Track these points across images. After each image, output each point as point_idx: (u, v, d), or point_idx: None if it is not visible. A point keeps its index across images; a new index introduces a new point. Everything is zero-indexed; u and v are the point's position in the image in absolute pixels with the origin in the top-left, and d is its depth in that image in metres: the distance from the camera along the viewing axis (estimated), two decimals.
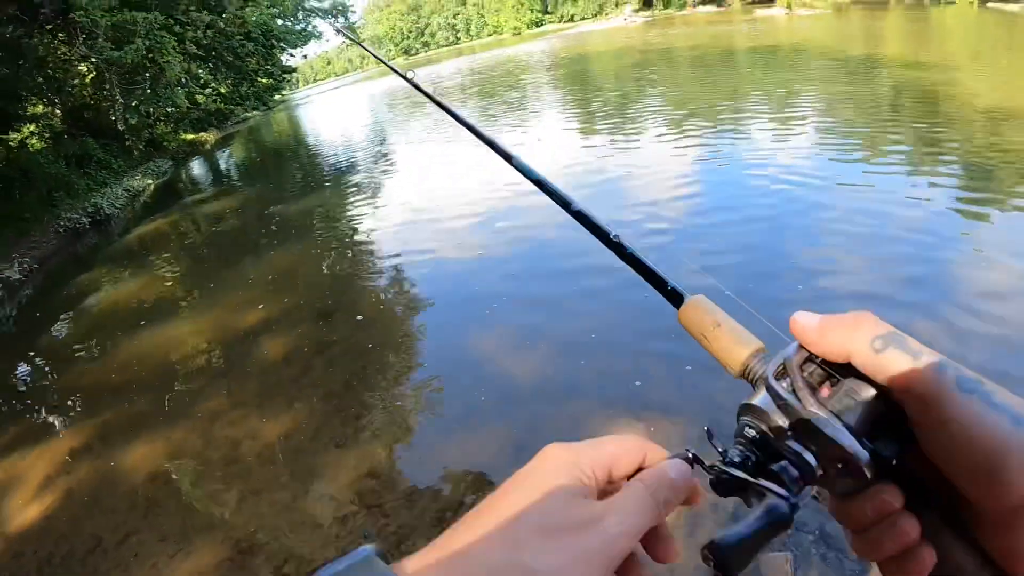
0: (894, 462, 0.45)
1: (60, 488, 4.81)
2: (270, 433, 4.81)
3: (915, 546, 0.45)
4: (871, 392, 0.45)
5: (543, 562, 0.42)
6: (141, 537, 4.06)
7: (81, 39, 18.89)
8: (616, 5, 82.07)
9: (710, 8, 65.82)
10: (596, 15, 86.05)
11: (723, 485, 0.51)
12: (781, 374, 0.50)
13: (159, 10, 22.86)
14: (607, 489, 0.50)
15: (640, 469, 0.52)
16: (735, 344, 0.57)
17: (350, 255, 9.04)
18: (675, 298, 0.66)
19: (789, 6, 45.15)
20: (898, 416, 0.44)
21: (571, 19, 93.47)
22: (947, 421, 0.41)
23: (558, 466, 0.48)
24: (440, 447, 4.30)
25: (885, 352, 0.44)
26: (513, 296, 6.29)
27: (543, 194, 0.89)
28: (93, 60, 20.32)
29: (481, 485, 3.79)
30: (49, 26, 18.83)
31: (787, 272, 5.64)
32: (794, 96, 13.49)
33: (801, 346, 0.49)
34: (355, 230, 10.19)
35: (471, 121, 1.22)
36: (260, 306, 7.46)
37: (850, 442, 0.44)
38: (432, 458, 4.20)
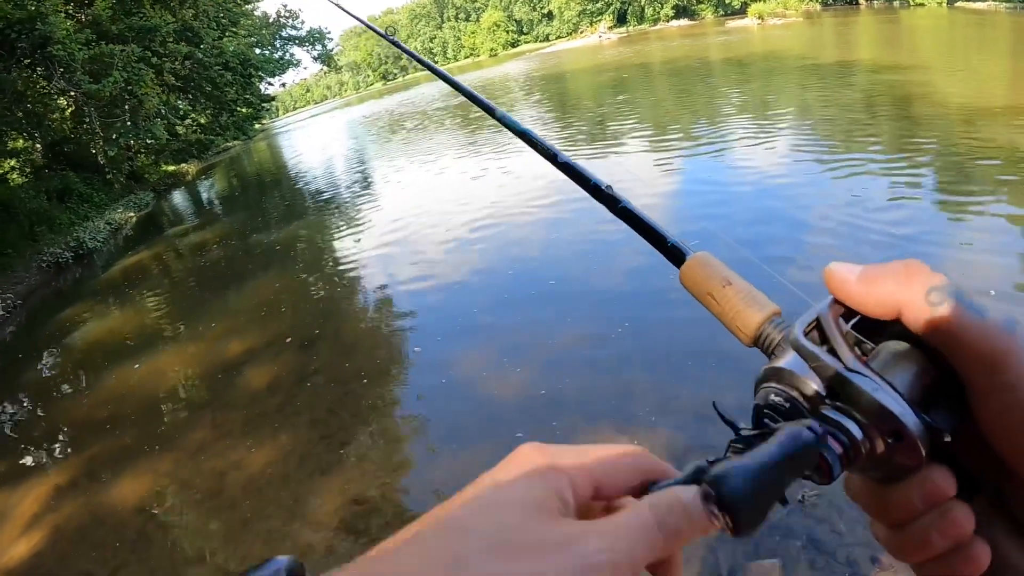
0: (948, 439, 0.37)
1: (48, 525, 4.82)
2: (256, 463, 4.83)
3: (967, 542, 0.38)
4: (922, 355, 0.39)
5: None
6: (130, 571, 4.09)
7: (59, 72, 18.91)
8: (591, 23, 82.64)
9: (683, 21, 66.57)
10: (571, 34, 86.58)
11: None
12: (812, 332, 0.42)
13: (136, 42, 22.97)
14: (591, 507, 0.41)
15: (643, 488, 0.41)
16: (748, 306, 0.49)
17: (332, 282, 9.08)
18: (676, 256, 0.58)
19: (761, 16, 45.71)
20: (950, 384, 0.38)
21: (547, 39, 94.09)
22: (1015, 386, 0.35)
23: (527, 471, 0.38)
24: (425, 470, 4.35)
25: (943, 306, 0.37)
26: (494, 317, 6.37)
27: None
28: (72, 94, 20.35)
29: None
30: (27, 60, 18.83)
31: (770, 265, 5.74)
32: (770, 103, 13.70)
33: (835, 301, 0.42)
34: (337, 257, 10.25)
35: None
36: (244, 336, 7.49)
37: (904, 410, 0.37)
38: (418, 481, 4.25)
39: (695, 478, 0.37)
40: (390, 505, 4.07)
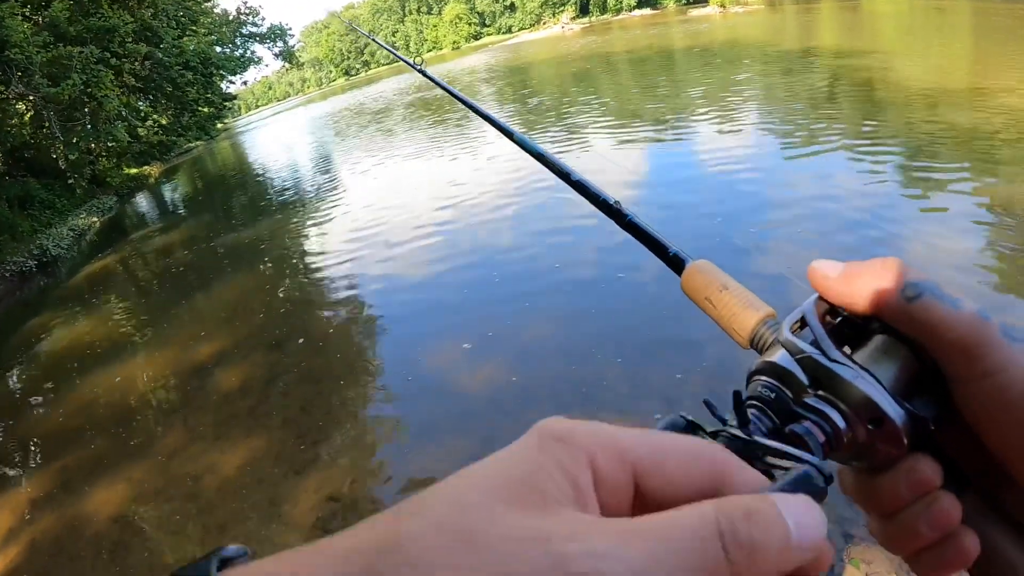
0: (931, 427, 0.38)
1: (24, 539, 4.79)
2: (230, 465, 4.84)
3: (956, 531, 0.38)
4: (904, 349, 0.40)
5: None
6: None
7: (17, 76, 18.61)
8: (553, 14, 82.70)
9: (645, 11, 66.82)
10: (534, 25, 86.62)
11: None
12: (799, 329, 0.43)
13: (95, 44, 22.65)
14: (632, 506, 0.30)
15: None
16: (744, 309, 0.51)
17: (300, 280, 9.06)
18: (677, 264, 0.61)
19: (723, 4, 45.98)
20: (933, 376, 0.39)
21: (509, 30, 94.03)
22: (993, 372, 0.36)
23: (524, 445, 0.29)
24: (399, 465, 4.39)
25: (920, 299, 0.38)
26: (464, 311, 6.41)
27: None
28: (31, 98, 20.03)
29: None
30: None
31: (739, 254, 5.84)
32: (735, 90, 13.83)
33: (820, 298, 0.43)
34: (304, 255, 10.24)
35: (491, 113, 1.14)
36: (213, 338, 7.47)
37: (884, 398, 0.38)
38: (392, 477, 4.29)
39: (803, 485, 0.32)
40: (366, 502, 4.11)
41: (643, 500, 0.30)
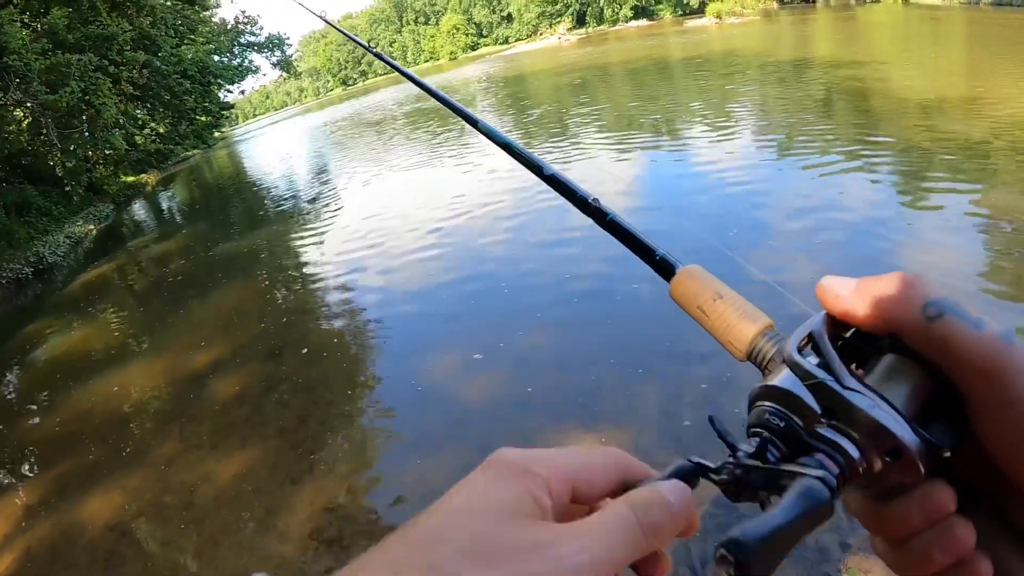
0: (947, 454, 0.37)
1: (19, 547, 4.77)
2: (225, 475, 4.83)
3: (969, 557, 0.37)
4: (919, 369, 0.38)
5: None
6: None
7: (15, 83, 18.61)
8: (550, 25, 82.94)
9: (642, 22, 67.07)
10: (531, 36, 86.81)
11: (738, 484, 0.41)
12: (806, 347, 0.41)
13: (93, 51, 22.66)
14: (571, 510, 0.40)
15: (623, 490, 0.41)
16: (740, 319, 0.48)
17: (297, 289, 9.06)
18: (665, 269, 0.56)
19: (719, 15, 46.15)
20: (949, 399, 0.38)
21: (506, 41, 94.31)
22: (1016, 401, 0.34)
23: (502, 476, 0.38)
24: (396, 474, 4.38)
25: (941, 320, 0.36)
26: (461, 320, 6.42)
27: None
28: (28, 105, 20.04)
29: None
30: None
31: (729, 262, 5.86)
32: (732, 100, 13.87)
33: (829, 315, 0.42)
34: (301, 264, 10.23)
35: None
36: (210, 347, 7.46)
37: (903, 428, 0.36)
38: (388, 486, 4.28)
39: (677, 475, 0.41)
40: (362, 512, 4.10)
41: (575, 499, 0.40)
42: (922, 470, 0.36)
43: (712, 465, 0.42)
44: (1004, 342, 0.35)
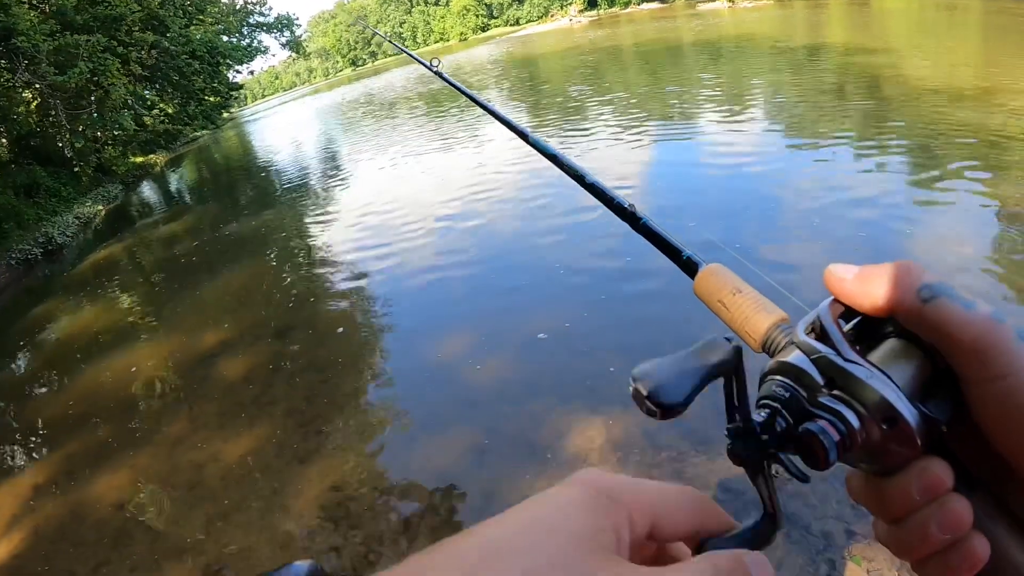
0: (944, 429, 0.39)
1: (28, 526, 4.81)
2: (233, 454, 4.85)
3: (965, 536, 0.38)
4: (919, 352, 0.40)
5: None
6: (111, 568, 4.09)
7: (24, 64, 18.59)
8: (561, 7, 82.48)
9: (654, 4, 66.57)
10: (542, 17, 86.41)
11: (741, 447, 0.44)
12: (813, 330, 0.43)
13: (101, 32, 22.60)
14: (643, 547, 0.40)
15: (696, 535, 0.42)
16: (756, 312, 0.52)
17: (306, 270, 9.07)
18: (690, 268, 0.61)
19: None
20: (946, 380, 0.39)
21: (517, 22, 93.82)
22: (1006, 375, 0.36)
23: (587, 500, 0.37)
24: (403, 455, 4.39)
25: (934, 302, 0.38)
26: (469, 302, 6.43)
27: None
28: (37, 86, 20.03)
29: (446, 491, 3.88)
30: None
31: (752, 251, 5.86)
32: (746, 86, 13.81)
33: (835, 301, 0.44)
34: (310, 244, 10.25)
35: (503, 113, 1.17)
36: (218, 327, 7.48)
37: (898, 398, 0.38)
38: (396, 467, 4.29)
39: (753, 539, 0.41)
40: (369, 491, 4.10)
41: (650, 535, 0.39)
42: (919, 442, 0.38)
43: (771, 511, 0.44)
44: (993, 320, 0.37)
